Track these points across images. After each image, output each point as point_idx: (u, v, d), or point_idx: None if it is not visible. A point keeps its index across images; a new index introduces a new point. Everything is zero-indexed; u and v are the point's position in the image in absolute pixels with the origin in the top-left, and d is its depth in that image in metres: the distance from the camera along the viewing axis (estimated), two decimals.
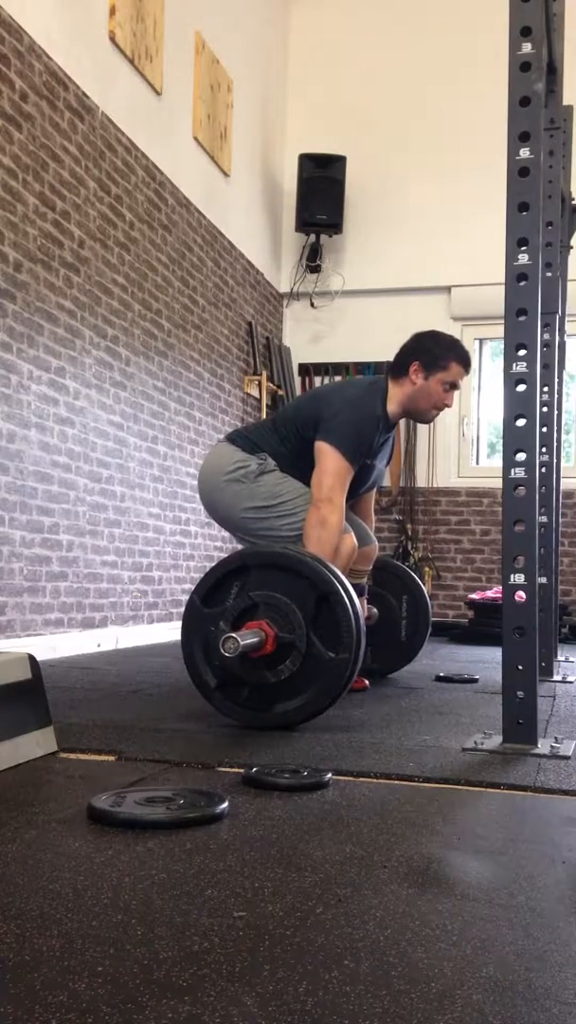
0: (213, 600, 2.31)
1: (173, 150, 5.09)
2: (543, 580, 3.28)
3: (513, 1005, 0.85)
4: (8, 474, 3.59)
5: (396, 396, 2.96)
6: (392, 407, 2.96)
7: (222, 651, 2.10)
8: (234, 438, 3.03)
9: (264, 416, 6.06)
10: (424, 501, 6.69)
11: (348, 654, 2.19)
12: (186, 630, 2.32)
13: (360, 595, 3.14)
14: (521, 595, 2.02)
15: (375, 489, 3.29)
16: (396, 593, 3.43)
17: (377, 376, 3.04)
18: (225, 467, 2.91)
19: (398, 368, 2.98)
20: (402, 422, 6.67)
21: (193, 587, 2.43)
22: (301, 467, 2.87)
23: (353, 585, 2.44)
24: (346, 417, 2.84)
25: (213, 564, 2.44)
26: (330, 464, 2.79)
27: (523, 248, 2.06)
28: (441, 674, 3.51)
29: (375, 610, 3.34)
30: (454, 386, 2.99)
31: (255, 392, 6.30)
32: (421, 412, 3.03)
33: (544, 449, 3.47)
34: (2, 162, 3.56)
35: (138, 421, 4.68)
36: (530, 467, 2.03)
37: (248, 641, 2.14)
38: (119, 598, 4.51)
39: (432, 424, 6.71)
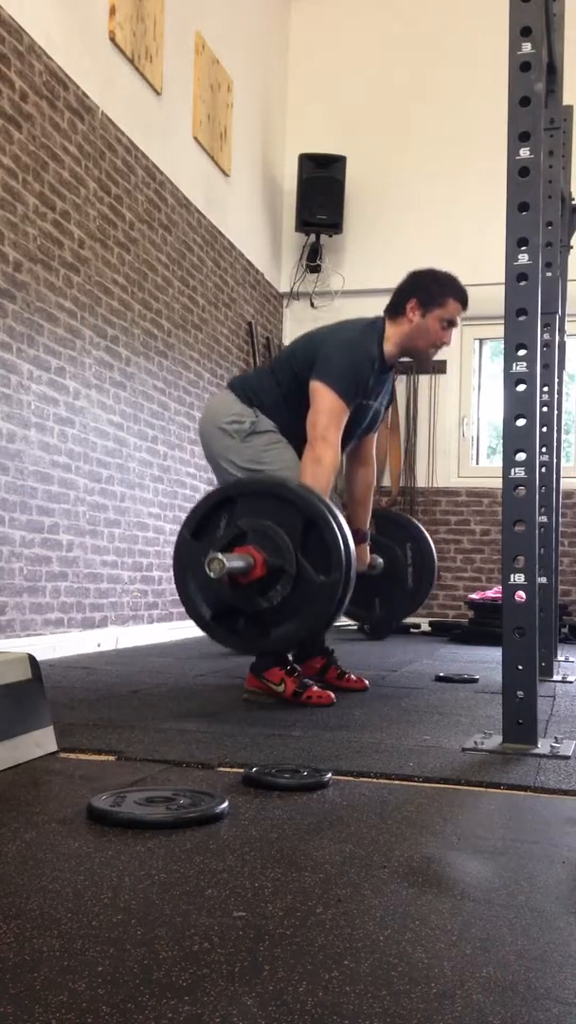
0: (203, 533, 2.31)
1: (173, 150, 5.09)
2: (543, 580, 3.28)
3: (513, 1005, 0.85)
4: (8, 474, 3.59)
5: (393, 336, 2.94)
6: (389, 347, 2.94)
7: (208, 571, 2.10)
8: (235, 385, 3.05)
9: None
10: (424, 501, 6.69)
11: (339, 575, 2.19)
12: (178, 565, 2.33)
13: (360, 542, 3.14)
14: (521, 595, 2.02)
15: (375, 433, 3.25)
16: (400, 542, 3.41)
17: (376, 316, 3.01)
18: (221, 417, 2.94)
19: (395, 307, 2.96)
20: (401, 422, 6.70)
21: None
22: (296, 410, 2.87)
23: (352, 532, 2.42)
24: (341, 357, 2.83)
25: None
26: (325, 403, 2.77)
27: (523, 248, 2.06)
28: (441, 674, 3.51)
29: (380, 560, 3.32)
30: (452, 323, 2.97)
31: None
32: (419, 351, 3.00)
33: (544, 449, 3.47)
34: (2, 162, 3.56)
35: (138, 421, 4.68)
36: (530, 467, 2.03)
37: (235, 564, 2.13)
38: (119, 598, 4.51)
39: (432, 424, 6.73)
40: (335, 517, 2.24)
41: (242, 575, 2.16)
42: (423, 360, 3.08)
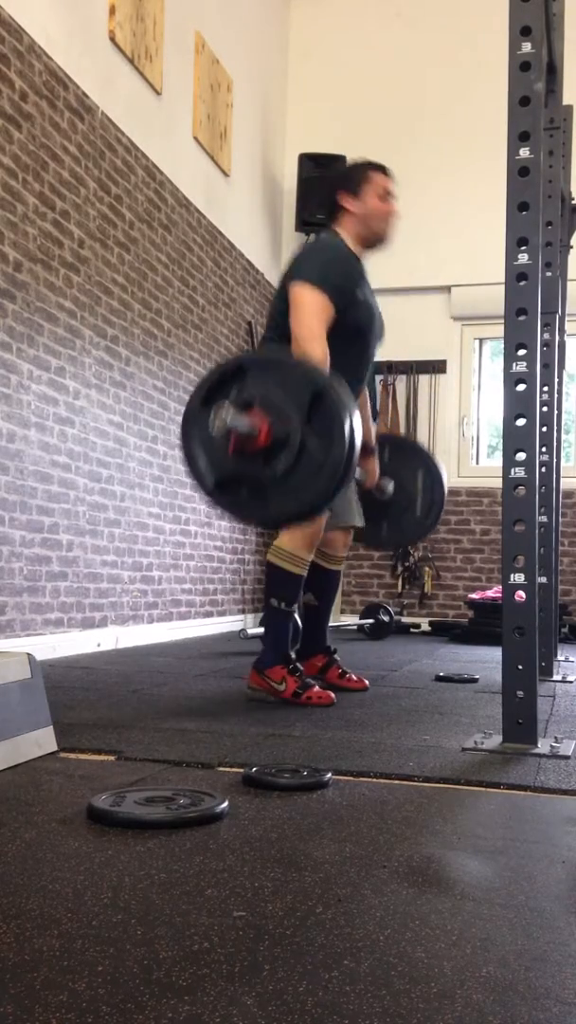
0: (212, 400, 2.30)
1: (173, 150, 5.09)
2: (543, 580, 3.28)
3: (513, 1005, 0.85)
4: (8, 474, 3.59)
5: (348, 234, 2.92)
6: (353, 246, 2.92)
7: (214, 420, 2.09)
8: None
9: None
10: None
11: (342, 451, 2.18)
12: (186, 431, 2.32)
13: (369, 455, 3.12)
14: (521, 595, 2.02)
15: (364, 386, 3.13)
16: (412, 467, 3.39)
17: (324, 231, 2.99)
18: None
19: (332, 211, 2.96)
20: (401, 422, 6.70)
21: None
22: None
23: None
24: (313, 256, 2.81)
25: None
26: (304, 300, 2.70)
27: (523, 248, 2.06)
28: (441, 674, 3.51)
29: (391, 484, 3.30)
30: (388, 192, 2.95)
31: None
32: (376, 232, 2.96)
33: (544, 449, 3.47)
34: (2, 162, 3.56)
35: (138, 421, 4.68)
36: (530, 467, 2.03)
37: (240, 422, 2.12)
38: (119, 598, 4.51)
39: (432, 424, 6.73)
40: (343, 394, 2.23)
41: (247, 441, 2.15)
42: (384, 240, 3.01)
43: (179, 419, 5.16)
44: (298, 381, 2.22)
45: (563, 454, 4.95)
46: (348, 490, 2.99)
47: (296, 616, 2.96)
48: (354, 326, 2.81)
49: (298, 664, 2.79)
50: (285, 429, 2.18)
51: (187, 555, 5.25)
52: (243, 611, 6.04)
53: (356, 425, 2.24)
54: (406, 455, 3.38)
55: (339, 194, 2.93)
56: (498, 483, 2.18)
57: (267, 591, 2.87)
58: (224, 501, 2.25)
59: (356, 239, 2.93)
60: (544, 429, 3.45)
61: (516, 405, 2.06)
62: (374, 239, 2.97)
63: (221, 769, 1.82)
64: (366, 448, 3.05)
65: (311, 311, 2.70)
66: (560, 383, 4.16)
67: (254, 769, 1.72)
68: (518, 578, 2.02)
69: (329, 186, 3.01)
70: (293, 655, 2.83)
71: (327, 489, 2.20)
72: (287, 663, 2.75)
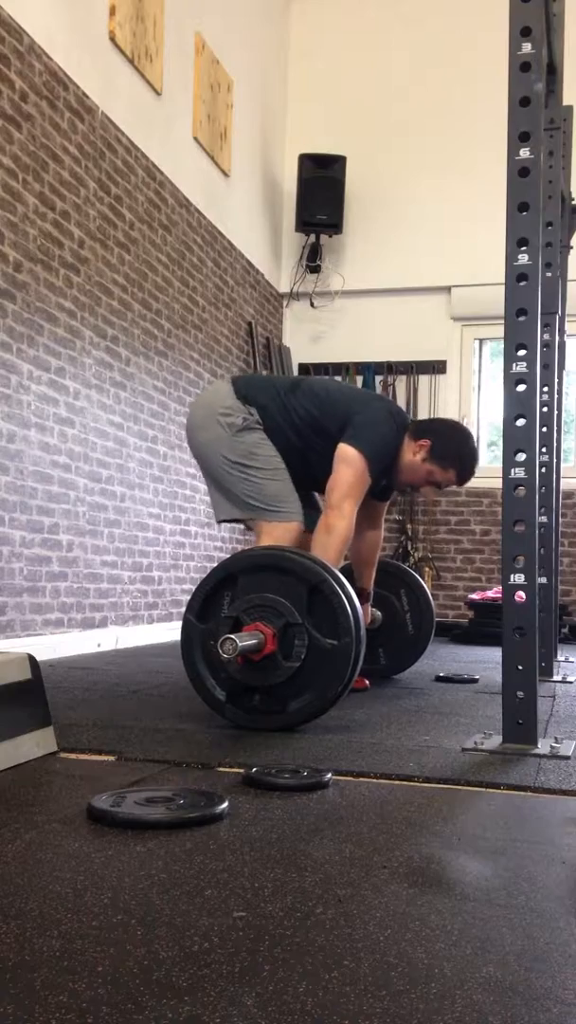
0: (208, 615, 2.31)
1: (173, 150, 5.09)
2: (543, 580, 3.28)
3: (513, 1005, 0.85)
4: (8, 474, 3.59)
5: (405, 452, 2.97)
6: (396, 455, 2.97)
7: (221, 653, 2.10)
8: (237, 382, 3.03)
9: None
10: (424, 501, 6.69)
11: (349, 638, 2.19)
12: (187, 650, 2.32)
13: (364, 601, 3.14)
14: (521, 595, 2.02)
15: (388, 501, 3.29)
16: (394, 589, 3.43)
17: (405, 414, 3.10)
18: (216, 407, 2.92)
19: (418, 431, 3.00)
20: None
21: (193, 587, 2.43)
22: (305, 442, 2.88)
23: (357, 591, 2.43)
24: (379, 431, 2.85)
25: (213, 564, 2.44)
26: (352, 471, 2.78)
27: (523, 248, 2.06)
28: (441, 674, 3.51)
29: (378, 613, 3.34)
30: (438, 486, 3.03)
31: None
32: (401, 484, 3.08)
33: (544, 449, 3.47)
34: (2, 162, 3.56)
35: (138, 421, 4.68)
36: (530, 467, 2.03)
37: (247, 643, 2.14)
38: (119, 598, 4.51)
39: None
40: (338, 581, 2.25)
41: (254, 652, 2.16)
42: (397, 487, 3.12)
43: (179, 419, 5.19)
44: (291, 579, 2.23)
45: (563, 454, 4.95)
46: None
47: None
48: None
49: None
50: (290, 629, 2.19)
51: (187, 555, 5.25)
52: None
53: (359, 611, 2.26)
54: (386, 578, 3.42)
55: (427, 439, 2.96)
56: (498, 483, 2.18)
57: None
58: (237, 714, 2.25)
59: (395, 463, 2.96)
60: (544, 429, 3.45)
61: (516, 405, 2.06)
62: (395, 481, 3.07)
63: (221, 769, 1.82)
64: (362, 595, 3.11)
65: (351, 488, 2.77)
66: (560, 383, 4.16)
67: (254, 769, 1.72)
68: (518, 578, 2.02)
69: (442, 429, 3.05)
70: None
71: (341, 677, 2.21)
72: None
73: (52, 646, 3.83)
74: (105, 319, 4.33)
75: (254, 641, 2.16)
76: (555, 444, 3.82)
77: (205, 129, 5.49)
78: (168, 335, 5.04)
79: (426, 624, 3.42)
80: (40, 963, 0.91)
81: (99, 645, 4.27)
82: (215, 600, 2.31)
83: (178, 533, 5.14)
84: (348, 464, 2.79)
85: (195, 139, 5.38)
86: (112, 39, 4.35)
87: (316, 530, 2.75)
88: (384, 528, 3.41)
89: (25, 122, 3.70)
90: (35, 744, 1.84)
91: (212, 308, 5.67)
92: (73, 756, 1.90)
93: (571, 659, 4.32)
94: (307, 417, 2.89)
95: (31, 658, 1.89)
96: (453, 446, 3.00)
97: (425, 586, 3.51)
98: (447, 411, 6.74)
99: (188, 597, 2.41)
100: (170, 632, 4.95)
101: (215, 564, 2.38)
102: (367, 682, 3.08)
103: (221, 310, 5.82)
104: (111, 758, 1.89)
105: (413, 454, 2.96)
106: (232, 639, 2.09)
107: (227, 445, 2.86)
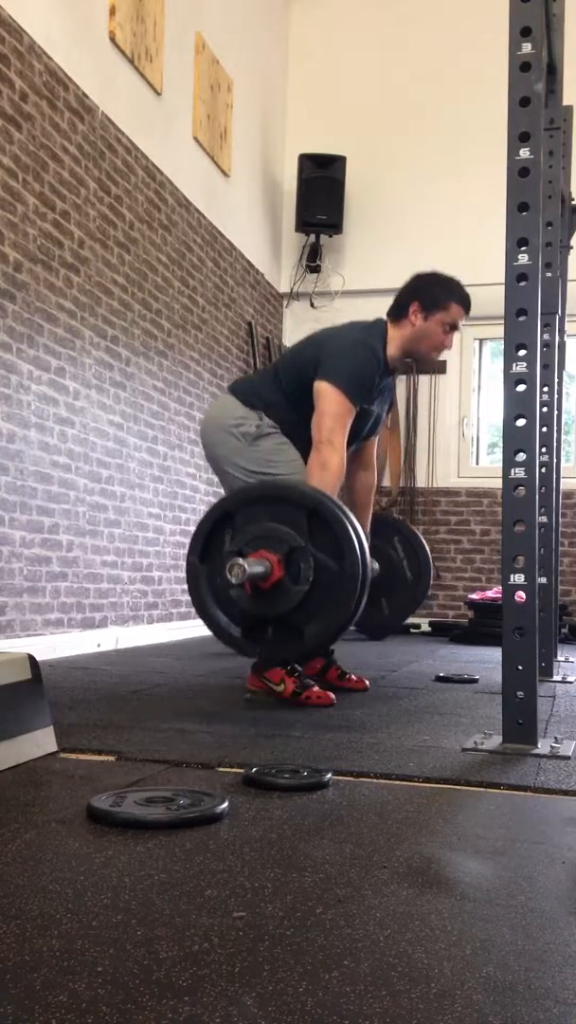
0: (210, 554, 2.30)
1: (173, 150, 5.09)
2: (543, 580, 3.28)
3: (513, 1005, 0.85)
4: (8, 474, 3.59)
5: (396, 339, 2.94)
6: (391, 350, 2.94)
7: (230, 579, 2.09)
8: (236, 388, 3.03)
9: None
10: (424, 501, 6.69)
11: (355, 556, 2.18)
12: (195, 592, 2.31)
13: None
14: (521, 595, 2.02)
15: (376, 436, 3.25)
16: (387, 538, 3.42)
17: (377, 318, 3.01)
18: (226, 421, 2.93)
19: (398, 310, 2.96)
20: (401, 422, 6.69)
21: None
22: (300, 411, 2.86)
23: None
24: (348, 357, 2.82)
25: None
26: (330, 405, 2.75)
27: (523, 248, 2.06)
28: (441, 674, 3.51)
29: (376, 563, 3.33)
30: (454, 327, 2.97)
31: None
32: (421, 354, 3.00)
33: (544, 449, 3.47)
34: (2, 162, 3.56)
35: (138, 421, 4.68)
36: (530, 467, 2.03)
37: (255, 568, 2.13)
38: (119, 598, 4.51)
39: (432, 424, 6.73)
40: (335, 503, 2.24)
41: (262, 580, 2.15)
42: (424, 362, 3.10)
43: (179, 419, 5.19)
44: (289, 506, 2.22)
45: (563, 454, 4.95)
46: None
47: None
48: (352, 423, 2.86)
49: (296, 665, 2.79)
50: (294, 553, 2.18)
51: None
52: None
53: (360, 531, 2.25)
54: (380, 530, 3.42)
55: (412, 302, 2.93)
56: (498, 483, 2.18)
57: None
58: (253, 647, 2.25)
59: (400, 348, 2.94)
60: (544, 429, 3.45)
61: (516, 405, 2.06)
62: (415, 356, 3.02)
63: (221, 769, 1.82)
64: None
65: (335, 421, 2.74)
66: (560, 383, 4.16)
67: (254, 769, 1.72)
68: (518, 578, 2.02)
69: (412, 288, 2.99)
70: None
71: (351, 599, 2.21)
72: (285, 664, 2.75)
73: (52, 646, 3.83)
74: (105, 319, 4.33)
75: (261, 568, 2.15)
76: (555, 444, 3.82)
77: (205, 129, 5.49)
78: (168, 335, 5.04)
79: (424, 569, 3.41)
80: (40, 963, 0.91)
81: (99, 645, 4.27)
82: (216, 539, 2.30)
83: (178, 533, 5.14)
84: (324, 398, 2.77)
85: (195, 139, 5.38)
86: (112, 39, 4.35)
87: (308, 469, 2.73)
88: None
89: (25, 122, 3.70)
90: (35, 744, 1.84)
91: (212, 308, 5.67)
92: (73, 756, 1.90)
93: (571, 659, 4.32)
94: (292, 383, 2.88)
95: (31, 658, 1.89)
96: (436, 287, 2.97)
97: (418, 534, 3.49)
98: (447, 411, 6.75)
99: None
100: (170, 632, 4.95)
101: (200, 520, 2.38)
102: (367, 682, 3.08)
103: (221, 310, 5.82)
104: (111, 758, 1.89)
105: (412, 325, 2.93)
106: (239, 563, 2.08)
107: (244, 456, 2.87)
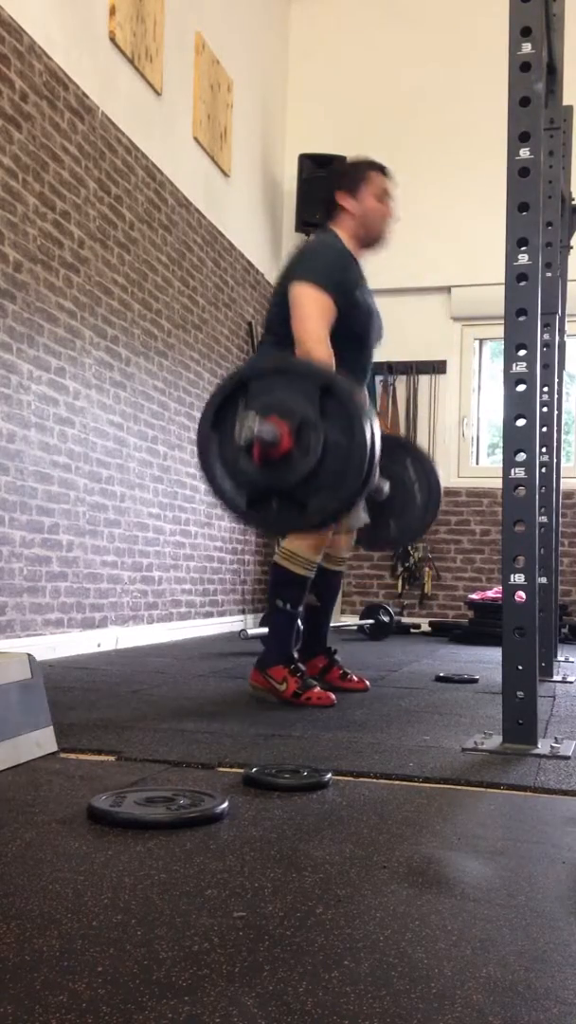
0: (222, 422, 2.30)
1: (173, 150, 5.09)
2: (543, 580, 3.28)
3: (513, 1005, 0.85)
4: (8, 474, 3.59)
5: (345, 234, 2.92)
6: (349, 245, 2.91)
7: (240, 431, 2.09)
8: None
9: None
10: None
11: (363, 435, 2.18)
12: (205, 459, 2.30)
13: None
14: (521, 595, 2.02)
15: (369, 390, 3.16)
16: (399, 459, 3.41)
17: (323, 229, 2.99)
18: None
19: (330, 210, 2.96)
20: (401, 422, 6.69)
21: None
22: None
23: None
24: (311, 256, 2.81)
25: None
26: (307, 302, 2.69)
27: (523, 248, 2.06)
28: (441, 674, 3.51)
29: (386, 483, 3.32)
30: (386, 192, 2.95)
31: None
32: (373, 233, 2.96)
33: (544, 449, 3.47)
34: (2, 162, 3.56)
35: (138, 421, 4.68)
36: (530, 467, 2.03)
37: (264, 428, 2.13)
38: (119, 598, 4.51)
39: (432, 424, 6.73)
40: (348, 383, 2.26)
41: (272, 448, 2.15)
42: (381, 241, 3.01)
43: (179, 419, 5.19)
44: (303, 380, 2.23)
45: (563, 454, 4.95)
46: None
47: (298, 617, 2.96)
48: (353, 328, 2.81)
49: (300, 665, 2.79)
50: (305, 426, 2.19)
51: (187, 555, 5.25)
52: (243, 611, 6.04)
53: (368, 407, 2.26)
54: (391, 451, 3.39)
55: (337, 193, 2.93)
56: (498, 483, 2.18)
57: (272, 591, 2.86)
58: (257, 518, 2.24)
59: (353, 239, 2.92)
60: (544, 429, 3.45)
61: (516, 405, 2.06)
62: (371, 240, 2.97)
63: (221, 769, 1.82)
64: None
65: (314, 312, 2.69)
66: (560, 383, 4.16)
67: (254, 769, 1.72)
68: (518, 578, 2.02)
69: (328, 185, 3.00)
70: (295, 655, 2.84)
71: (360, 474, 2.20)
72: (289, 663, 2.75)
73: (52, 646, 3.83)
74: (105, 319, 4.33)
75: (270, 432, 2.15)
76: (555, 444, 3.82)
77: (205, 129, 5.49)
78: (168, 335, 5.04)
79: (434, 493, 3.40)
80: (40, 963, 0.91)
81: (99, 645, 4.27)
82: (229, 408, 2.30)
83: (178, 533, 5.14)
84: (299, 299, 2.70)
85: (195, 139, 5.38)
86: (112, 39, 4.35)
87: None
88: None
89: (25, 122, 3.70)
90: (35, 744, 1.84)
91: (212, 308, 5.67)
92: (73, 756, 1.90)
93: (571, 659, 4.32)
94: (281, 327, 2.78)
95: (31, 658, 1.89)
96: (347, 169, 2.99)
97: (428, 454, 3.47)
98: (447, 411, 6.74)
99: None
100: (170, 632, 4.95)
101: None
102: (367, 683, 3.08)
103: (221, 310, 5.82)
104: (111, 758, 1.89)
105: (350, 213, 2.90)
106: (252, 416, 2.08)
107: None
